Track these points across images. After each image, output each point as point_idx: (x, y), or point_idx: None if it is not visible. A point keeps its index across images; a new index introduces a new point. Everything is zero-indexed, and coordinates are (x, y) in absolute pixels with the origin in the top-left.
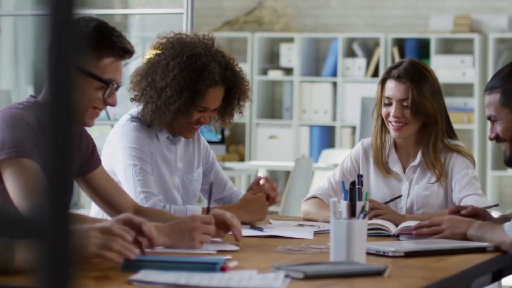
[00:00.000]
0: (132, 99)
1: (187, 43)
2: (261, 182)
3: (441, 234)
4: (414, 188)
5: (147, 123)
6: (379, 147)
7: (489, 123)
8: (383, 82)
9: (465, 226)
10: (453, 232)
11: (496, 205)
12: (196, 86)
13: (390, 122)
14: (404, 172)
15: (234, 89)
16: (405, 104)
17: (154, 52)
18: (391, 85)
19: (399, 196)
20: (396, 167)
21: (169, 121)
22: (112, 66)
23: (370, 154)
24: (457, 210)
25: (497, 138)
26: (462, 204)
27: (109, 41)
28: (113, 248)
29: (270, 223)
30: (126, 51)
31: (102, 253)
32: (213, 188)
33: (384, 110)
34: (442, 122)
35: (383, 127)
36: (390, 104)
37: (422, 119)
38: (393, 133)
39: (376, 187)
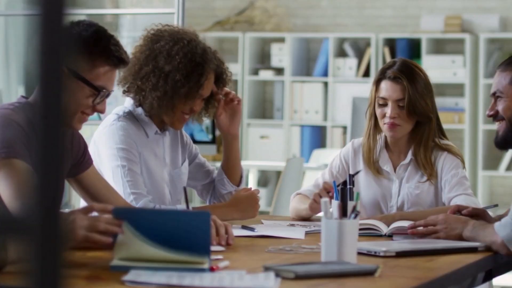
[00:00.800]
0: (126, 92)
1: (181, 31)
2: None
3: (435, 235)
4: (405, 187)
5: (145, 113)
6: (371, 147)
7: (481, 123)
8: (377, 83)
9: (460, 226)
10: (448, 233)
11: (496, 205)
12: (201, 69)
13: (385, 122)
14: (395, 171)
15: (222, 77)
16: (400, 104)
17: (146, 42)
18: (386, 85)
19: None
20: (386, 166)
21: (173, 108)
22: (106, 74)
23: (360, 154)
24: (458, 210)
25: (495, 116)
26: (451, 204)
27: (106, 48)
28: (99, 227)
29: (262, 223)
30: (121, 61)
31: (91, 236)
32: (199, 175)
33: (379, 111)
34: (434, 122)
35: (376, 127)
36: (385, 105)
37: (416, 119)
38: (387, 133)
39: (366, 187)
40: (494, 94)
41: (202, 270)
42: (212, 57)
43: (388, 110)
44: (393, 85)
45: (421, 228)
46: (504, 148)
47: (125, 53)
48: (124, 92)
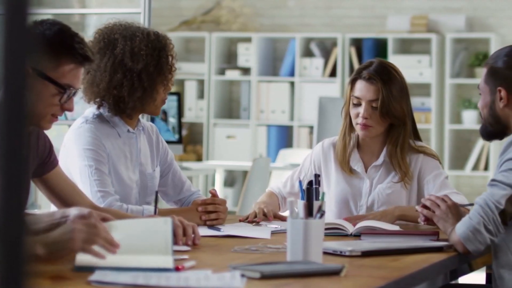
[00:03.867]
0: (101, 105)
1: (126, 26)
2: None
3: (431, 214)
4: (377, 187)
5: (126, 114)
6: (346, 146)
7: (447, 122)
8: (353, 82)
9: (450, 223)
10: (440, 221)
11: (471, 204)
12: (165, 52)
13: (358, 122)
14: (366, 171)
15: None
16: (374, 105)
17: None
18: (361, 85)
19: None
20: (357, 166)
21: (155, 99)
22: (71, 72)
23: (331, 154)
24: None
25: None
26: None
27: (70, 46)
28: (98, 242)
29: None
30: (86, 58)
31: (88, 248)
32: (170, 190)
33: (353, 110)
34: (409, 124)
35: (350, 126)
36: (359, 105)
37: (390, 121)
38: (360, 133)
39: (337, 186)
40: (478, 87)
41: (167, 270)
42: (163, 36)
43: (361, 110)
44: (367, 85)
45: (429, 202)
46: (486, 140)
47: (90, 50)
48: (98, 106)
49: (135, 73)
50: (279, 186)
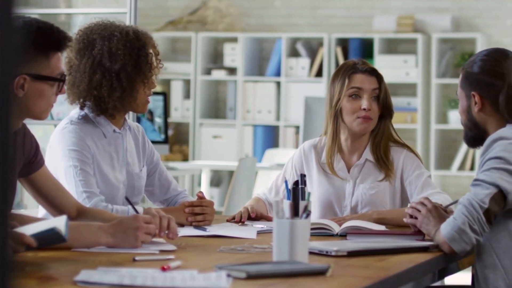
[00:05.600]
0: (83, 106)
1: (106, 26)
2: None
3: (415, 221)
4: (359, 187)
5: (109, 114)
6: (335, 149)
7: (433, 122)
8: (349, 77)
9: (433, 226)
10: (422, 226)
11: (456, 201)
12: (144, 51)
13: (359, 115)
14: (349, 171)
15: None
16: (374, 95)
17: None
18: (360, 77)
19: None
20: (339, 166)
21: (136, 99)
22: (58, 60)
23: (312, 156)
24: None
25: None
26: None
27: (56, 39)
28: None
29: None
30: (69, 40)
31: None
32: (157, 189)
33: (351, 104)
34: (390, 120)
35: (338, 128)
36: (357, 98)
37: (384, 112)
38: (359, 127)
39: (320, 188)
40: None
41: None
42: (142, 33)
43: (365, 102)
44: (367, 76)
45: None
46: (471, 147)
47: (66, 32)
48: (81, 107)
49: (113, 73)
50: (265, 192)
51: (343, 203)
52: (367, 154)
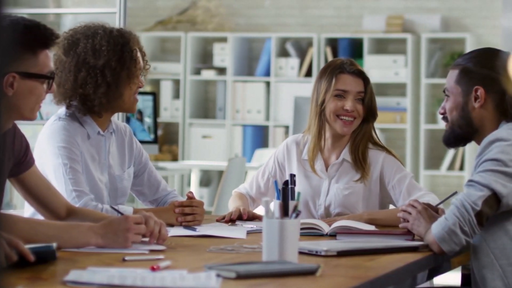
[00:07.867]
0: (69, 105)
1: (90, 26)
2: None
3: (405, 224)
4: (334, 187)
5: (95, 112)
6: (318, 148)
7: (423, 122)
8: (336, 76)
9: (424, 227)
10: (413, 228)
11: (455, 193)
12: (128, 47)
13: (340, 116)
14: (327, 170)
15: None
16: (359, 97)
17: (66, 53)
18: (347, 78)
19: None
20: (318, 164)
21: (121, 95)
22: (46, 57)
23: (293, 152)
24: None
25: (444, 115)
26: None
27: (42, 36)
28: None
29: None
30: (56, 37)
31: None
32: (146, 189)
33: (335, 104)
34: (373, 123)
35: (323, 125)
36: (342, 98)
37: (368, 115)
38: (342, 128)
39: (298, 185)
40: (444, 91)
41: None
42: (127, 32)
43: (348, 103)
44: (354, 78)
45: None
46: (450, 146)
47: (53, 29)
48: (68, 106)
49: (98, 69)
50: (245, 187)
51: (317, 201)
52: (345, 154)
